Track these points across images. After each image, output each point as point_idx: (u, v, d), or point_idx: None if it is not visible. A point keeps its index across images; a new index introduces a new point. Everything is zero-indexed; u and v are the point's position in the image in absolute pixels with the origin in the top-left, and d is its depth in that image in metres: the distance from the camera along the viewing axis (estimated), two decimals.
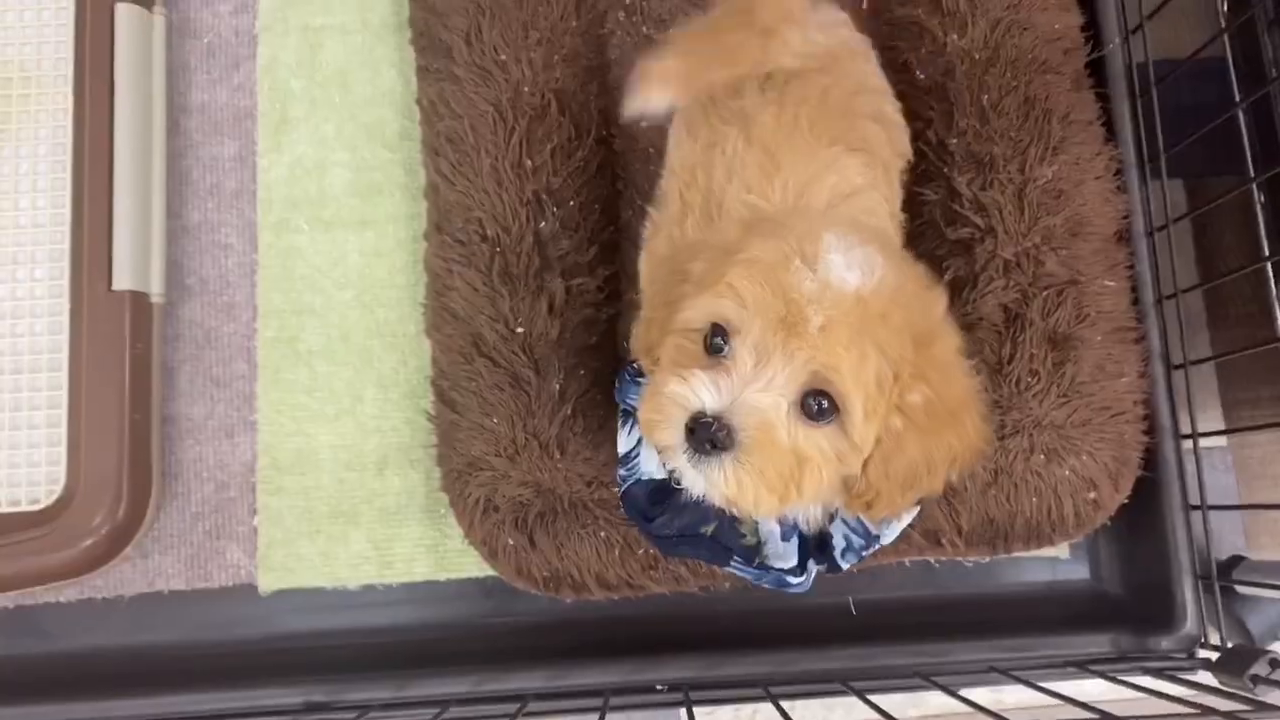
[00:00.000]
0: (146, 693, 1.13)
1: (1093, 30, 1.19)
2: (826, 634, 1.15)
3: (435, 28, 1.20)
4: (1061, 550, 1.20)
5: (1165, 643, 1.12)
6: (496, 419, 1.10)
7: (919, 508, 0.94)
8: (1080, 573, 1.21)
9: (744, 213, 0.85)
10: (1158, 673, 1.05)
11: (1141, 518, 1.16)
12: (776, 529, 0.87)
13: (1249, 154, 1.15)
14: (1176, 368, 1.15)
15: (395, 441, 1.23)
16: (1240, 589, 1.14)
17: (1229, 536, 1.24)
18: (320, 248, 1.27)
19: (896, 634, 1.15)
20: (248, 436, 1.24)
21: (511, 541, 1.11)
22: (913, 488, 0.75)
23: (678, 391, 0.69)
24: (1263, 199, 1.16)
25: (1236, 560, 1.21)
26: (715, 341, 0.72)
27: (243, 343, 1.26)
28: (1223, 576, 1.14)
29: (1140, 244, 1.17)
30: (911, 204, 1.10)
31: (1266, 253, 1.15)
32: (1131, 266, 1.15)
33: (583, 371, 1.13)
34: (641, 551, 1.11)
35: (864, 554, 0.89)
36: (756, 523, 0.88)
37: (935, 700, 1.13)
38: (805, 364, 0.69)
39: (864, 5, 1.23)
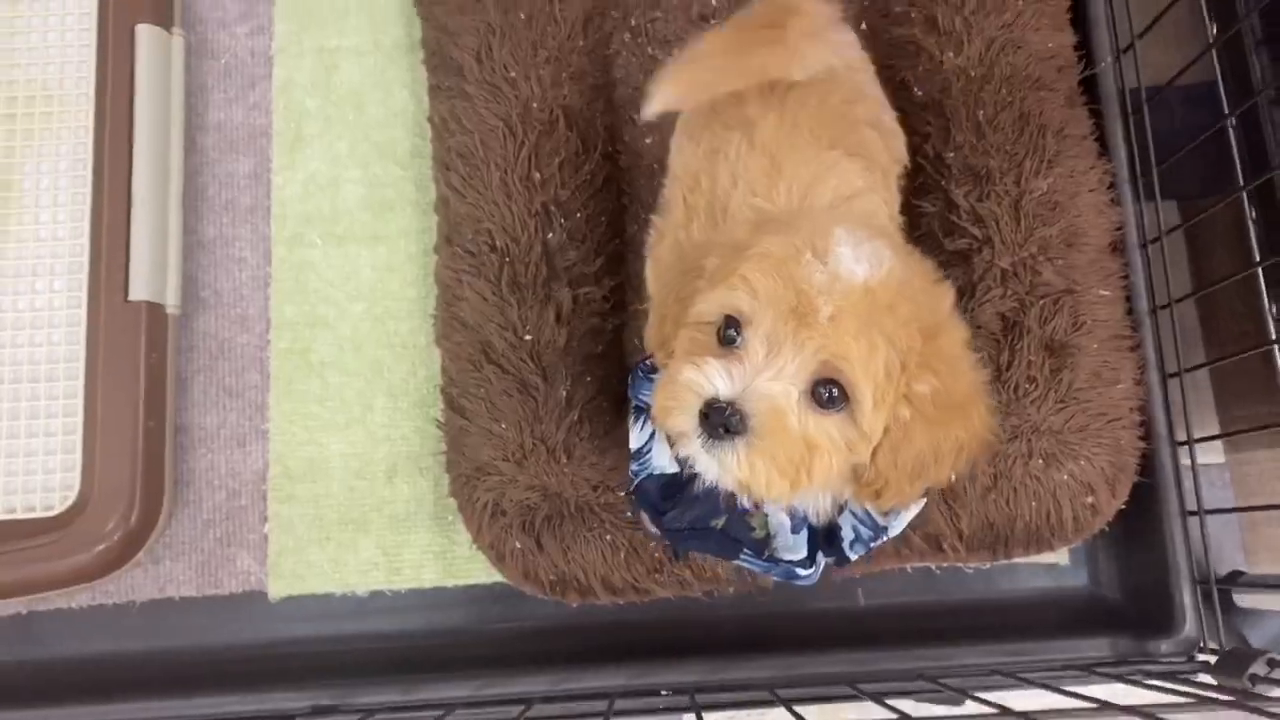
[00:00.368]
0: (156, 697, 1.14)
1: (1085, 49, 1.22)
2: (830, 638, 1.16)
3: (447, 46, 1.23)
4: (1061, 556, 1.21)
5: (1165, 646, 1.13)
6: (504, 424, 1.12)
7: (925, 499, 0.95)
8: (1079, 579, 1.22)
9: (750, 215, 0.87)
10: (1158, 676, 1.06)
11: (1139, 524, 1.17)
12: (787, 522, 0.88)
13: (1240, 173, 1.16)
14: (1172, 376, 1.17)
15: (405, 450, 1.25)
16: (1240, 602, 1.15)
17: (1229, 553, 1.25)
18: (333, 262, 1.30)
19: (899, 639, 1.16)
20: (259, 445, 1.25)
21: (519, 544, 1.12)
22: (920, 477, 0.76)
23: (692, 378, 0.71)
24: (1254, 214, 1.17)
25: (1236, 575, 1.22)
26: (728, 333, 0.73)
27: (256, 354, 1.28)
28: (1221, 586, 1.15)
29: (1134, 255, 1.19)
30: (910, 216, 1.12)
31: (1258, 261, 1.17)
32: (1126, 276, 1.17)
33: (589, 378, 1.15)
34: (647, 555, 1.12)
35: (872, 545, 0.90)
36: (766, 516, 0.89)
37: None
38: (815, 353, 0.70)
39: (863, 25, 1.26)
